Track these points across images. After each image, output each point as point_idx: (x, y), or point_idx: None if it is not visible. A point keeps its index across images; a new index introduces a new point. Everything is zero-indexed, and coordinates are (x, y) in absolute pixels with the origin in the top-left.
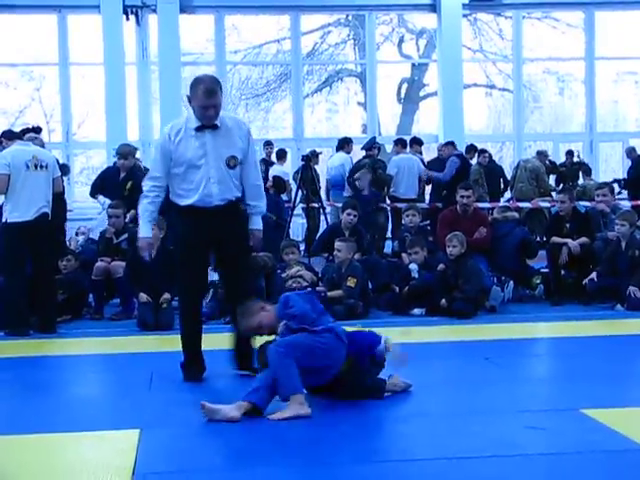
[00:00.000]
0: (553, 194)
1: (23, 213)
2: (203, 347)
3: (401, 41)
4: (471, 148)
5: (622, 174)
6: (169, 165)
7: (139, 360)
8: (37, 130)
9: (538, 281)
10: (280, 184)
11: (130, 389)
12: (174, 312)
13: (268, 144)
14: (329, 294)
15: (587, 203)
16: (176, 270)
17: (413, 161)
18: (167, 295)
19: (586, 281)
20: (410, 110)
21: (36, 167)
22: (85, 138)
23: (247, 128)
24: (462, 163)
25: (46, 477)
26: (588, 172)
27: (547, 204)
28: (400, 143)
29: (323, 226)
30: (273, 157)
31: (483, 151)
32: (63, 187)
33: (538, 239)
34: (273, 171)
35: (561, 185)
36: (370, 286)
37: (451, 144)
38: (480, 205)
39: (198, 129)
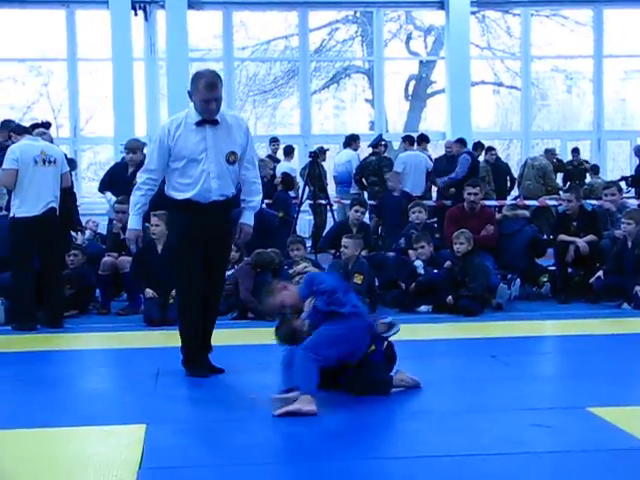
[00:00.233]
0: (560, 192)
1: (31, 208)
2: (212, 343)
3: (409, 38)
4: (478, 145)
5: (629, 172)
6: (166, 159)
7: (145, 355)
8: (46, 125)
9: (545, 279)
10: (288, 180)
11: (136, 384)
12: None
13: (274, 141)
14: None
15: (594, 201)
16: (175, 265)
17: (420, 158)
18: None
19: (592, 280)
20: (417, 107)
21: (44, 162)
22: (93, 133)
23: (246, 125)
24: (472, 161)
25: (52, 471)
26: (596, 170)
27: (554, 202)
28: (407, 140)
29: (330, 223)
30: (279, 154)
31: (490, 149)
32: (72, 182)
33: (545, 237)
34: (280, 167)
35: (568, 183)
36: (377, 283)
37: (461, 141)
38: (487, 203)
39: (198, 124)
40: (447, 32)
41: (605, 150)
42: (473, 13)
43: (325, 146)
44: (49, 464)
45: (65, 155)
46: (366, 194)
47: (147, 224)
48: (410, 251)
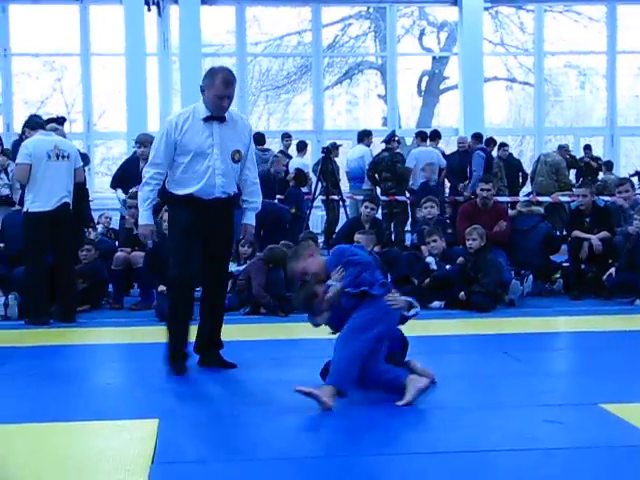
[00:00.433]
0: (573, 189)
1: (44, 203)
2: (223, 338)
3: (422, 34)
4: (490, 141)
5: None
6: (172, 153)
7: (158, 350)
8: (60, 121)
9: (557, 275)
10: (301, 177)
11: (149, 379)
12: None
13: (287, 136)
14: None
15: (608, 198)
16: (170, 260)
17: (432, 154)
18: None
19: (605, 277)
20: (430, 103)
21: (58, 157)
22: (106, 129)
23: (250, 125)
24: (487, 157)
25: (65, 466)
26: (609, 167)
27: (567, 198)
28: (420, 136)
29: (342, 218)
30: (292, 149)
31: (503, 145)
32: (84, 177)
33: (557, 233)
34: (293, 163)
35: (580, 180)
36: (389, 279)
37: (477, 137)
38: (499, 199)
39: (206, 119)
40: (460, 28)
41: (618, 146)
42: (486, 9)
43: (338, 142)
44: (61, 458)
45: (79, 151)
46: (379, 190)
47: (158, 220)
48: (422, 247)
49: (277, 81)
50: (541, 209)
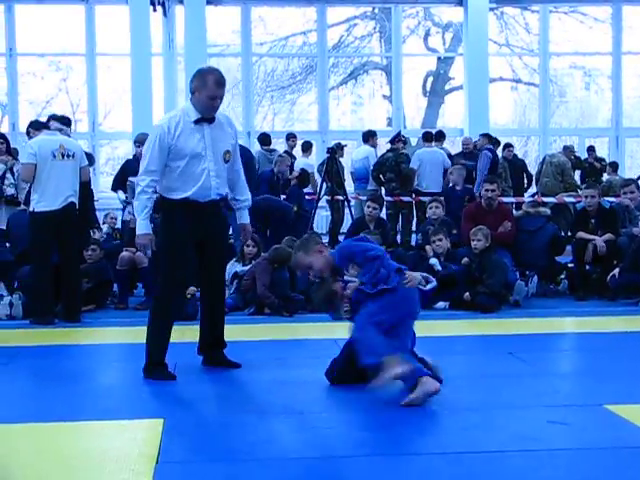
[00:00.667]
0: (578, 190)
1: (50, 202)
2: (228, 338)
3: (427, 34)
4: (494, 141)
5: None
6: (166, 159)
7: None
8: (66, 122)
9: (562, 276)
10: (305, 177)
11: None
12: (197, 303)
13: (292, 136)
14: None
15: (613, 199)
16: (162, 265)
17: (437, 154)
18: (192, 288)
19: (608, 278)
20: (435, 103)
21: (63, 156)
22: (111, 129)
23: (234, 124)
24: (493, 157)
25: (70, 465)
26: (614, 167)
27: (572, 199)
28: (425, 136)
29: (347, 219)
30: (297, 150)
31: (508, 145)
32: (89, 177)
33: (562, 234)
34: (298, 164)
35: (586, 181)
36: None
37: (486, 136)
38: (504, 200)
39: (197, 122)
40: (465, 28)
41: (623, 147)
42: (491, 9)
43: (343, 142)
44: (66, 458)
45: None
46: (383, 190)
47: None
48: (427, 246)
49: (282, 81)
50: (548, 210)
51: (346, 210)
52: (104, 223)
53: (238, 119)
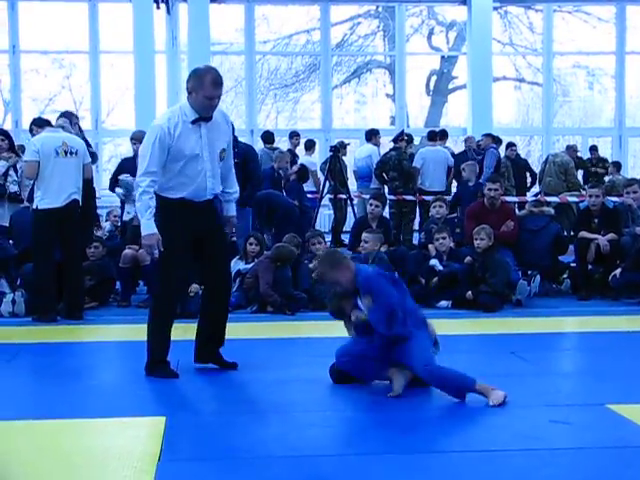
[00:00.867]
0: (580, 190)
1: (53, 200)
2: (230, 336)
3: (431, 33)
4: (497, 140)
5: None
6: (165, 160)
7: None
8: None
9: (565, 276)
10: (303, 173)
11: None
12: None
13: (295, 135)
14: None
15: (616, 198)
16: (160, 264)
17: (441, 153)
18: (195, 285)
19: (610, 277)
20: (439, 102)
21: (66, 153)
22: (114, 126)
23: (231, 121)
24: (499, 155)
25: (72, 463)
26: (617, 167)
27: (575, 199)
28: (429, 135)
29: (350, 217)
30: (300, 148)
31: (511, 144)
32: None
33: (565, 233)
34: (301, 162)
35: (589, 180)
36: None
37: (490, 136)
38: (507, 199)
39: (194, 122)
40: (469, 27)
41: (626, 147)
42: (495, 9)
43: (346, 141)
44: (68, 455)
45: (90, 146)
46: (386, 189)
47: None
48: (430, 245)
49: (285, 80)
50: (551, 210)
51: (349, 209)
52: (107, 220)
53: (241, 117)
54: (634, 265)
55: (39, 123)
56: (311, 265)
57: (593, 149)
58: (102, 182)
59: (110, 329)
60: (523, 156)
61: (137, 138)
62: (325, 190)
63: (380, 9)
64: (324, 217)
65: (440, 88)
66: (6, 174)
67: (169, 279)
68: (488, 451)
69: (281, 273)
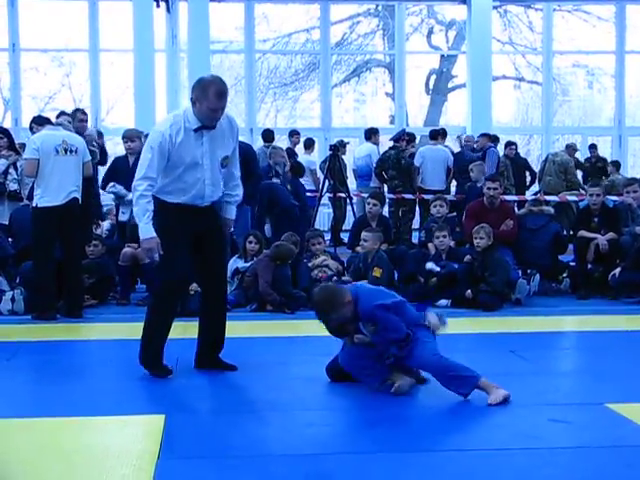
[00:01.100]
0: (580, 189)
1: (53, 198)
2: (229, 334)
3: (430, 32)
4: (494, 138)
5: None
6: (164, 166)
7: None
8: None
9: (564, 275)
10: (297, 168)
11: None
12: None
13: (295, 133)
14: None
15: (615, 198)
16: (159, 263)
17: (440, 152)
18: (196, 284)
19: (609, 276)
20: (438, 101)
21: (66, 152)
22: (114, 124)
23: (237, 126)
24: (498, 155)
25: (71, 461)
26: (617, 166)
27: (575, 198)
28: (431, 134)
29: (349, 216)
30: (298, 147)
31: (510, 143)
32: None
33: (565, 233)
34: (301, 161)
35: (589, 179)
36: (396, 277)
37: (487, 136)
38: (507, 198)
39: (197, 130)
40: (469, 26)
41: (626, 146)
42: (495, 8)
43: (345, 139)
44: (67, 453)
45: (99, 144)
46: (386, 188)
47: None
48: (429, 244)
49: (285, 78)
50: (551, 209)
51: (348, 207)
52: (105, 219)
53: (241, 116)
54: (633, 264)
55: (39, 121)
56: (310, 264)
57: (592, 147)
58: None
59: (109, 327)
60: (523, 155)
61: (129, 136)
62: (324, 189)
63: (380, 8)
64: (323, 216)
65: (440, 87)
66: (6, 172)
67: (167, 279)
68: (487, 450)
69: (280, 272)
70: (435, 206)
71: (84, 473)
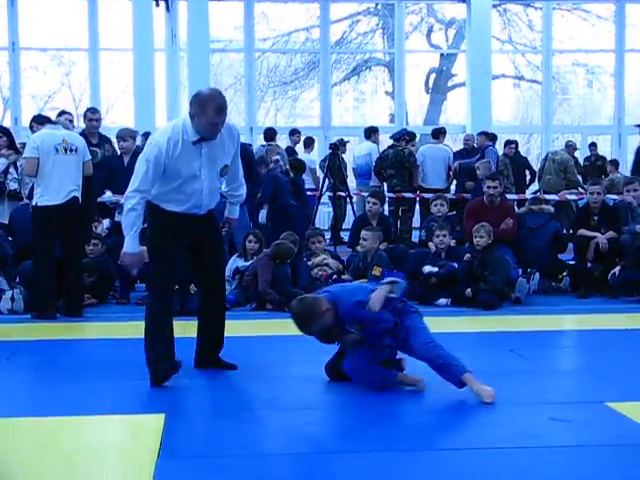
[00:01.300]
0: (579, 188)
1: (53, 197)
2: (229, 333)
3: (430, 31)
4: (492, 137)
5: None
6: (160, 178)
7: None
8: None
9: (564, 273)
10: (297, 165)
11: None
12: None
13: (295, 132)
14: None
15: (615, 196)
16: (152, 267)
17: (441, 151)
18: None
19: (609, 275)
20: (438, 100)
21: (66, 151)
22: (113, 123)
23: (237, 132)
24: (497, 153)
25: (71, 460)
26: (616, 165)
27: (575, 197)
28: (433, 133)
29: (349, 215)
30: (298, 146)
31: (510, 142)
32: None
33: (565, 231)
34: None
35: (589, 179)
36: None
37: (485, 134)
38: (506, 196)
39: (195, 142)
40: (468, 25)
41: (626, 145)
42: (495, 6)
43: (345, 138)
44: (67, 452)
45: (106, 139)
46: (386, 186)
47: None
48: (430, 243)
49: (285, 77)
50: (551, 208)
51: (348, 206)
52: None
53: (240, 115)
54: (633, 263)
55: (39, 120)
56: (310, 262)
57: (592, 146)
58: None
59: (109, 326)
60: (522, 154)
61: (122, 136)
62: (324, 188)
63: (379, 7)
64: (323, 215)
65: (439, 86)
66: (6, 171)
67: (159, 283)
68: (487, 448)
69: (280, 271)
70: (435, 205)
71: (84, 472)
